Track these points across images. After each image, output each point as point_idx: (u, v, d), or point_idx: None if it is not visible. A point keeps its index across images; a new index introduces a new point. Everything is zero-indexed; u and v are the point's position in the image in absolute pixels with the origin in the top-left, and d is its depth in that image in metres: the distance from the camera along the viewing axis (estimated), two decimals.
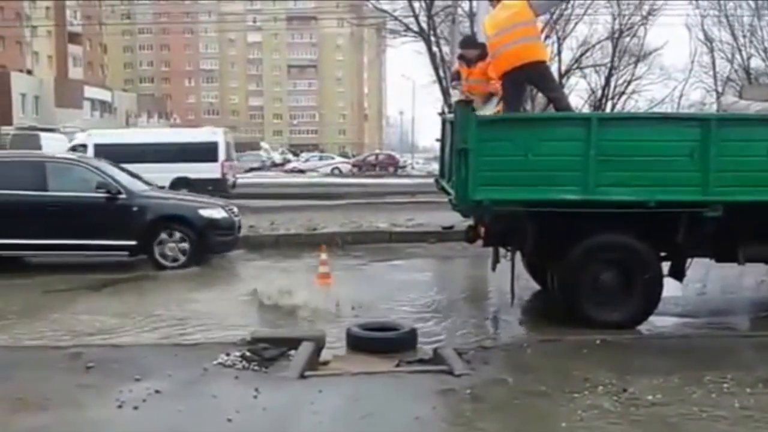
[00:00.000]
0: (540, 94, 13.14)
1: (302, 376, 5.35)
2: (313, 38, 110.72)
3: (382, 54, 55.85)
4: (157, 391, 5.01)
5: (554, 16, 27.26)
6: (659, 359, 5.79)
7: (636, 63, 33.99)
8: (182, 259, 10.72)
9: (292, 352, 5.82)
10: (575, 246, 7.22)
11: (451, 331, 7.38)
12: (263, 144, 77.40)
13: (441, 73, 26.70)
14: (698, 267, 8.00)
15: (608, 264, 7.28)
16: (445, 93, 24.97)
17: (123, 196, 10.82)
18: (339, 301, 7.99)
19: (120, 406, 4.77)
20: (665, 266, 7.50)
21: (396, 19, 30.04)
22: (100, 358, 5.77)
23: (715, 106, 27.46)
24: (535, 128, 7.28)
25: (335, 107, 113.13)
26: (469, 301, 9.19)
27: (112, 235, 10.64)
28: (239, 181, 24.94)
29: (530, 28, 7.66)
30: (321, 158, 60.21)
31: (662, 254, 7.49)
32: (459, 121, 7.16)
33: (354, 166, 52.95)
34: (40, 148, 24.84)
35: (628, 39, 32.80)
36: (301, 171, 51.13)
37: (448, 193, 7.88)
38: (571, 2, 28.56)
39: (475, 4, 22.87)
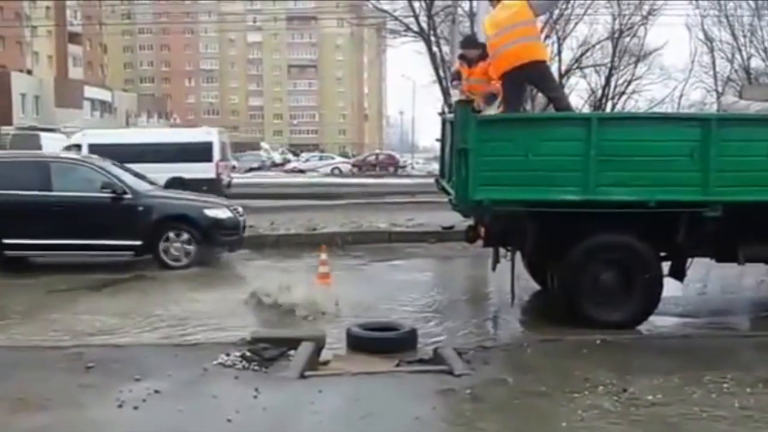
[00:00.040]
0: (540, 94, 13.13)
1: (302, 376, 5.35)
2: (313, 38, 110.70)
3: (382, 54, 55.72)
4: (157, 391, 5.01)
5: (554, 16, 27.25)
6: (659, 359, 5.79)
7: (636, 63, 33.99)
8: (187, 259, 10.73)
9: (292, 352, 5.82)
10: (575, 246, 7.22)
11: (452, 331, 7.38)
12: (263, 144, 77.39)
13: (441, 73, 26.70)
14: (698, 267, 8.00)
15: (608, 264, 7.29)
16: (445, 93, 24.97)
17: (128, 196, 10.83)
18: (339, 301, 7.99)
19: (120, 406, 4.77)
20: (665, 266, 7.51)
21: (396, 19, 30.05)
22: (100, 358, 5.77)
23: (715, 106, 27.45)
24: (536, 128, 7.28)
25: (335, 107, 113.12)
26: (469, 301, 9.20)
27: (118, 235, 10.65)
28: (239, 181, 24.94)
29: (530, 27, 7.66)
30: (321, 158, 60.23)
31: (662, 254, 7.49)
32: (459, 121, 7.16)
33: (354, 166, 52.95)
34: (40, 148, 24.81)
35: (628, 39, 32.82)
36: (301, 171, 51.13)
37: (449, 193, 7.88)
38: (571, 2, 28.64)
39: (475, 4, 22.88)
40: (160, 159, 19.12)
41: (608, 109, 31.63)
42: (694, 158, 6.92)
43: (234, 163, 54.05)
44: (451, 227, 12.48)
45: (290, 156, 69.29)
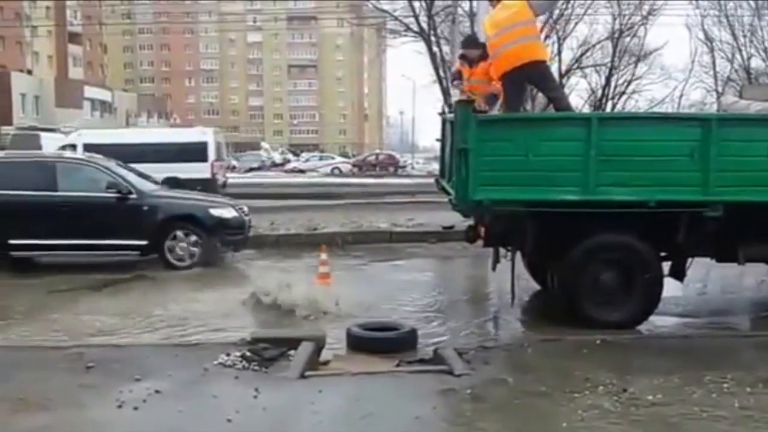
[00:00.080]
0: (540, 94, 13.14)
1: (302, 376, 5.35)
2: (313, 38, 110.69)
3: (382, 54, 55.72)
4: (157, 391, 5.01)
5: (554, 16, 27.26)
6: (659, 359, 5.79)
7: (636, 63, 34.02)
8: (193, 258, 10.74)
9: (292, 352, 5.82)
10: (576, 246, 7.22)
11: (452, 331, 7.38)
12: (263, 144, 77.43)
13: (441, 73, 26.70)
14: (699, 267, 8.00)
15: (608, 264, 7.29)
16: (446, 93, 24.98)
17: (133, 195, 10.84)
18: (339, 301, 7.98)
19: (120, 406, 4.77)
20: (666, 266, 7.50)
21: (396, 19, 30.04)
22: (100, 358, 5.77)
23: (715, 106, 27.45)
24: (536, 128, 7.28)
25: (335, 107, 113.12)
26: (469, 301, 9.20)
27: (123, 235, 10.66)
28: (240, 181, 24.88)
29: (530, 27, 7.66)
30: (321, 158, 60.25)
31: (662, 254, 7.49)
32: (459, 120, 7.16)
33: (354, 166, 52.96)
34: (40, 148, 24.77)
35: (628, 39, 32.83)
36: (302, 171, 51.15)
37: (449, 193, 7.88)
38: (571, 2, 28.64)
39: (475, 4, 22.88)
40: (155, 159, 19.03)
41: (608, 109, 31.64)
42: (695, 158, 6.93)
43: (234, 162, 54.32)
44: (452, 227, 12.47)
45: (290, 156, 69.31)
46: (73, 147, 20.26)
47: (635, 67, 34.06)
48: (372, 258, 11.93)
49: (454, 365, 5.49)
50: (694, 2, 34.52)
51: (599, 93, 33.44)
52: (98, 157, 11.82)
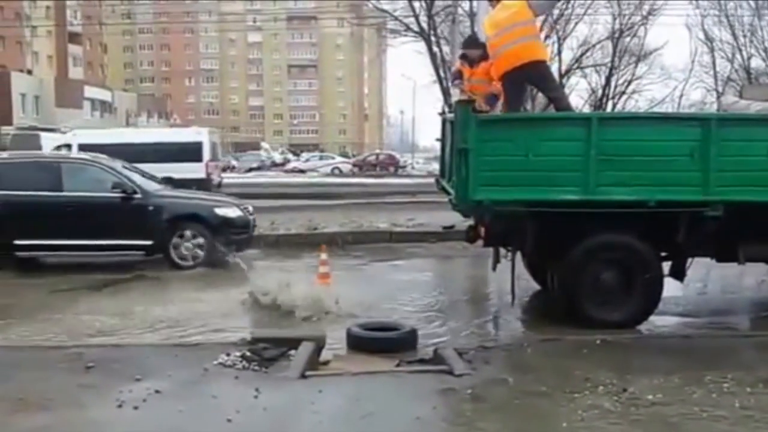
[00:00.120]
0: (540, 94, 13.14)
1: (302, 376, 5.35)
2: (313, 38, 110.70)
3: (383, 54, 55.73)
4: (157, 391, 5.01)
5: (554, 16, 27.26)
6: (660, 359, 5.79)
7: (636, 63, 34.03)
8: (198, 258, 10.74)
9: (293, 352, 5.82)
10: (576, 246, 7.21)
11: (452, 330, 7.38)
12: (263, 144, 77.46)
13: (441, 73, 26.69)
14: (699, 267, 8.00)
15: (609, 264, 7.29)
16: (446, 93, 24.96)
17: (138, 195, 10.85)
18: (339, 300, 7.98)
19: (120, 406, 4.77)
20: (666, 266, 7.50)
21: (396, 19, 30.03)
22: (100, 358, 5.77)
23: (715, 106, 27.44)
24: (536, 128, 7.28)
25: (335, 107, 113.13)
26: (469, 301, 9.20)
27: (129, 235, 10.67)
28: (240, 181, 24.86)
29: (529, 27, 7.66)
30: (321, 158, 60.25)
31: (663, 254, 7.49)
32: (459, 120, 7.16)
33: (354, 165, 52.97)
34: (40, 148, 24.80)
35: (628, 39, 32.84)
36: (302, 171, 51.16)
37: (449, 193, 7.88)
38: (571, 2, 28.64)
39: (475, 4, 22.86)
40: (149, 159, 18.94)
41: (608, 108, 31.64)
42: (695, 158, 6.93)
43: (234, 162, 54.31)
44: (452, 227, 12.47)
45: (290, 156, 69.32)
46: (68, 147, 20.30)
47: (635, 67, 34.11)
48: (372, 258, 11.93)
49: (455, 365, 5.48)
50: (694, 2, 34.57)
51: (599, 93, 33.48)
52: (103, 157, 11.80)
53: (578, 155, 6.93)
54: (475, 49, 8.78)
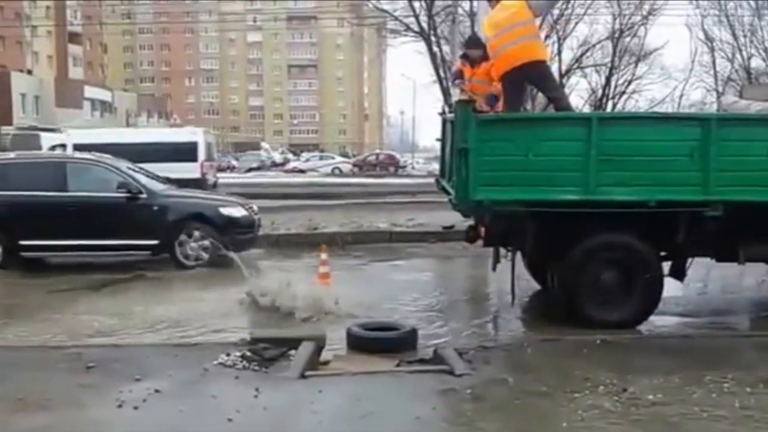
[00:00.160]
0: (540, 94, 13.13)
1: (302, 376, 5.35)
2: (313, 38, 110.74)
3: (383, 54, 55.74)
4: (157, 391, 5.01)
5: (554, 16, 27.26)
6: (660, 359, 5.79)
7: (636, 63, 34.00)
8: (204, 258, 10.73)
9: (293, 352, 5.82)
10: (576, 246, 7.21)
11: (452, 330, 7.37)
12: (263, 144, 77.42)
13: (441, 73, 26.67)
14: (699, 267, 8.00)
15: (609, 264, 7.28)
16: (446, 93, 24.94)
17: (143, 195, 10.86)
18: (339, 300, 7.97)
19: (120, 406, 4.77)
20: (666, 266, 7.50)
21: (396, 18, 30.01)
22: (100, 358, 5.77)
23: (715, 106, 27.45)
24: (536, 128, 7.28)
25: (335, 107, 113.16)
26: (469, 301, 9.20)
27: (134, 235, 10.68)
28: (240, 180, 24.82)
29: (529, 27, 7.66)
30: (321, 158, 60.25)
31: (663, 254, 7.49)
32: (459, 120, 7.16)
33: (354, 165, 52.96)
34: (40, 148, 24.80)
35: (628, 39, 32.81)
36: (302, 171, 51.16)
37: (449, 193, 7.88)
38: (572, 2, 28.64)
39: (475, 3, 22.88)
40: (144, 159, 18.94)
41: (609, 108, 31.63)
42: (695, 158, 6.92)
43: (234, 162, 54.28)
44: (452, 227, 12.47)
45: (290, 156, 69.32)
46: (63, 147, 20.31)
47: (635, 66, 34.08)
48: (372, 258, 11.93)
49: (455, 365, 5.48)
50: (694, 2, 34.53)
51: (599, 93, 33.46)
52: (107, 157, 11.79)
53: (578, 155, 6.92)
54: (476, 49, 8.76)
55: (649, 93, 36.23)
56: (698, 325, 7.82)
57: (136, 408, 4.74)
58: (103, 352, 6.08)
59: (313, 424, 4.56)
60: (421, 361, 6.08)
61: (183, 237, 10.80)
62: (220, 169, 43.99)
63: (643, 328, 7.26)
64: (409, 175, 43.31)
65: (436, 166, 12.25)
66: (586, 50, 32.70)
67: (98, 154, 11.94)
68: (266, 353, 5.79)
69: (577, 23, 30.85)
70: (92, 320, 7.66)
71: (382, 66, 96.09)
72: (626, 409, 4.70)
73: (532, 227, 7.18)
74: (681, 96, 33.10)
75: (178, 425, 4.59)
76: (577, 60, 32.26)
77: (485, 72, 8.38)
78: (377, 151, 68.86)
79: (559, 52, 30.06)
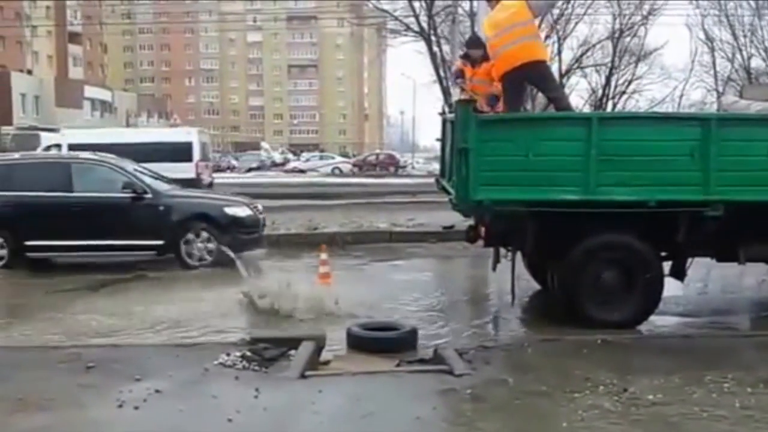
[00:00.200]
0: (540, 94, 13.13)
1: (303, 376, 5.35)
2: (314, 38, 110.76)
3: (383, 54, 55.72)
4: (157, 391, 5.01)
5: (554, 16, 27.27)
6: (660, 359, 5.79)
7: (636, 63, 34.04)
8: (209, 257, 10.73)
9: (293, 352, 5.82)
10: (576, 246, 7.21)
11: (452, 330, 7.37)
12: (263, 144, 77.46)
13: (441, 73, 26.68)
14: (699, 267, 8.00)
15: (609, 264, 7.28)
16: (446, 92, 24.97)
17: (149, 195, 10.88)
18: (339, 300, 7.97)
19: (120, 406, 4.77)
20: (666, 266, 7.50)
21: (396, 18, 30.01)
22: (100, 358, 5.77)
23: (715, 106, 27.45)
24: (536, 128, 7.28)
25: (335, 107, 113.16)
26: (469, 301, 9.20)
27: (140, 235, 10.69)
28: (240, 180, 24.80)
29: (529, 27, 7.65)
30: (321, 158, 60.24)
31: (663, 254, 7.48)
32: (459, 120, 7.15)
33: (354, 165, 52.95)
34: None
35: (628, 39, 32.84)
36: (302, 171, 51.16)
37: (449, 193, 7.88)
38: (572, 2, 28.65)
39: (475, 4, 22.88)
40: (139, 159, 18.92)
41: (609, 108, 31.64)
42: (695, 158, 6.92)
43: (234, 162, 54.24)
44: (452, 227, 12.48)
45: (290, 156, 69.32)
46: (58, 147, 20.31)
47: (635, 66, 34.12)
48: (372, 258, 11.93)
49: (455, 365, 5.48)
50: (694, 2, 34.57)
51: (599, 93, 33.49)
52: (112, 157, 11.79)
53: (578, 155, 6.92)
54: (477, 49, 8.76)
55: (649, 93, 36.29)
56: (698, 325, 7.82)
57: (136, 408, 4.74)
58: (103, 352, 6.07)
59: (313, 424, 4.56)
60: (421, 361, 6.08)
61: (188, 237, 10.81)
62: (220, 170, 44.09)
63: (643, 328, 7.26)
64: (409, 175, 43.31)
65: (436, 166, 12.25)
66: (586, 50, 32.73)
67: (102, 153, 11.94)
68: (266, 353, 5.79)
69: (577, 23, 30.90)
70: (93, 320, 7.66)
71: (382, 66, 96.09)
72: (626, 409, 4.70)
73: (533, 227, 7.18)
74: (681, 96, 33.17)
75: (179, 425, 4.59)
76: (577, 60, 32.28)
77: (486, 72, 8.38)
78: (377, 151, 68.86)
79: (559, 52, 30.10)
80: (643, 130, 7.18)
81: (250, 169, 51.08)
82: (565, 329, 6.90)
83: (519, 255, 7.66)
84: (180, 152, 20.43)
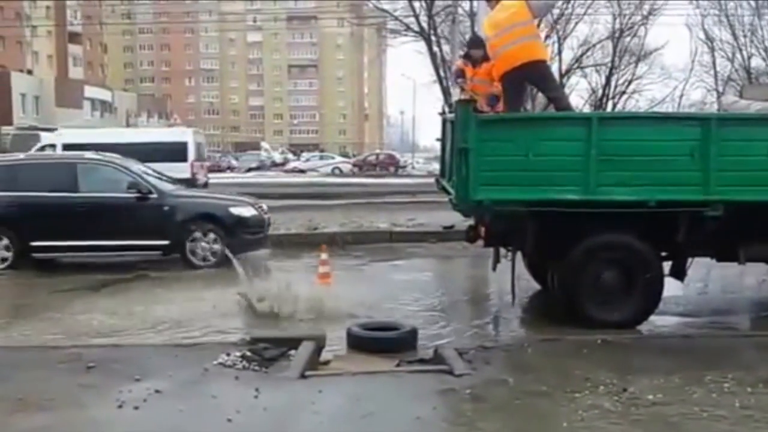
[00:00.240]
0: (540, 94, 13.13)
1: (303, 376, 5.35)
2: (314, 38, 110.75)
3: (383, 54, 55.75)
4: (157, 391, 5.01)
5: (554, 16, 27.27)
6: (660, 359, 5.79)
7: (636, 62, 34.11)
8: (214, 257, 10.73)
9: (293, 352, 5.82)
10: (576, 246, 7.21)
11: (452, 330, 7.37)
12: (264, 144, 77.41)
13: (441, 73, 26.70)
14: (699, 266, 8.00)
15: (609, 264, 7.28)
16: (446, 92, 24.99)
17: (154, 195, 10.89)
18: (339, 300, 7.97)
19: (120, 406, 4.77)
20: (666, 266, 7.50)
21: (396, 18, 30.04)
22: (100, 358, 5.77)
23: (715, 106, 27.47)
24: (536, 128, 7.27)
25: (336, 107, 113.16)
26: (469, 301, 9.20)
27: (145, 235, 10.70)
28: (239, 180, 24.79)
29: (529, 27, 7.65)
30: (321, 158, 60.25)
31: (663, 254, 7.48)
32: (459, 120, 7.15)
33: (354, 165, 52.95)
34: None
35: (628, 38, 32.90)
36: (302, 171, 51.15)
37: (449, 193, 7.87)
38: (572, 2, 28.67)
39: (475, 3, 22.89)
40: (134, 159, 18.93)
41: (609, 108, 31.66)
42: (695, 158, 6.92)
43: (234, 162, 54.19)
44: (452, 227, 12.48)
45: (290, 156, 69.32)
46: (53, 147, 20.31)
47: (635, 66, 34.20)
48: (372, 258, 11.93)
49: (455, 365, 5.48)
50: (694, 2, 34.63)
51: (599, 93, 33.55)
52: (117, 157, 11.80)
53: (578, 155, 6.92)
54: (478, 49, 8.74)
55: (649, 93, 36.40)
56: (698, 325, 7.82)
57: (136, 408, 4.74)
58: (104, 352, 6.08)
59: (313, 425, 4.56)
60: (421, 361, 6.08)
61: (193, 237, 10.81)
62: (220, 170, 44.08)
63: (643, 328, 7.25)
64: (409, 175, 43.32)
65: (436, 166, 12.24)
66: (587, 50, 32.79)
67: (107, 153, 11.95)
68: (266, 353, 5.79)
69: (577, 23, 30.97)
70: (93, 320, 7.66)
71: (382, 66, 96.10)
72: (626, 409, 4.70)
73: (533, 227, 7.18)
74: (681, 96, 33.20)
75: (179, 425, 4.59)
76: (577, 60, 32.32)
77: (487, 72, 8.38)
78: (377, 151, 68.88)
79: (559, 52, 30.15)
80: (643, 130, 7.18)
81: (249, 169, 51.07)
82: (565, 329, 6.90)
83: (519, 255, 7.66)
84: (175, 152, 20.39)
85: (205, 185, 22.01)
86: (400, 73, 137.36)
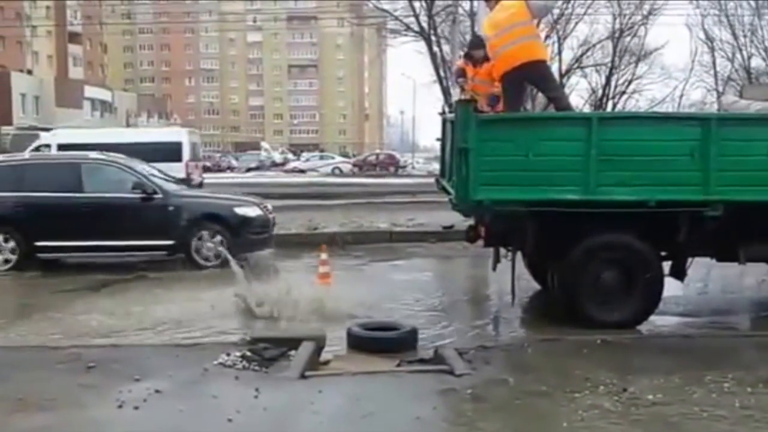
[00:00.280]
0: (540, 94, 13.13)
1: (303, 376, 5.35)
2: (314, 38, 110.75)
3: (383, 54, 55.77)
4: (157, 391, 5.01)
5: (554, 16, 27.28)
6: (660, 359, 5.79)
7: (637, 62, 34.11)
8: (219, 257, 10.67)
9: (293, 352, 5.82)
10: (576, 246, 7.21)
11: (452, 330, 7.37)
12: (263, 144, 77.42)
13: (442, 73, 26.71)
14: (699, 266, 8.00)
15: (609, 264, 7.28)
16: (446, 92, 25.00)
17: (159, 195, 10.89)
18: (339, 300, 7.96)
19: (120, 406, 4.77)
20: (666, 266, 7.50)
21: (396, 18, 30.04)
22: (100, 358, 5.77)
23: (715, 106, 27.47)
24: (536, 128, 7.27)
25: (336, 107, 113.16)
26: (470, 301, 9.20)
27: (150, 236, 10.71)
28: (239, 180, 24.79)
29: (529, 27, 7.66)
30: (321, 158, 60.25)
31: (663, 254, 7.48)
32: (459, 120, 7.15)
33: (354, 165, 52.95)
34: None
35: (628, 38, 32.91)
36: (302, 171, 51.15)
37: (449, 193, 7.88)
38: (572, 2, 28.68)
39: (475, 3, 22.90)
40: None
41: (609, 108, 31.66)
42: (695, 158, 6.92)
43: (234, 162, 54.17)
44: (452, 227, 12.48)
45: (290, 156, 69.31)
46: (48, 147, 20.31)
47: (635, 66, 34.21)
48: (372, 258, 11.93)
49: (455, 365, 5.48)
50: (694, 2, 34.66)
51: (599, 93, 33.55)
52: (121, 157, 11.79)
53: (578, 155, 6.92)
54: (479, 49, 8.74)
55: (649, 93, 36.42)
56: (698, 325, 7.82)
57: (136, 408, 4.74)
58: (104, 352, 6.08)
59: (313, 425, 4.56)
60: (421, 361, 6.07)
61: (198, 237, 10.81)
62: (220, 169, 44.10)
63: (643, 328, 7.26)
64: (409, 175, 43.30)
65: (436, 166, 12.25)
66: (586, 50, 32.80)
67: (112, 153, 11.94)
68: (266, 353, 5.79)
69: (577, 23, 30.97)
70: (93, 320, 7.66)
71: (382, 66, 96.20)
72: (626, 409, 4.70)
73: (533, 227, 7.18)
74: (681, 96, 33.21)
75: (179, 425, 4.59)
76: (577, 60, 32.33)
77: (487, 72, 8.38)
78: (377, 151, 68.88)
79: (559, 52, 30.16)
80: (643, 130, 7.18)
81: (249, 169, 51.07)
82: (565, 329, 6.90)
83: (519, 255, 7.66)
84: (170, 152, 20.34)
85: (200, 185, 22.00)
86: (400, 73, 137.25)
